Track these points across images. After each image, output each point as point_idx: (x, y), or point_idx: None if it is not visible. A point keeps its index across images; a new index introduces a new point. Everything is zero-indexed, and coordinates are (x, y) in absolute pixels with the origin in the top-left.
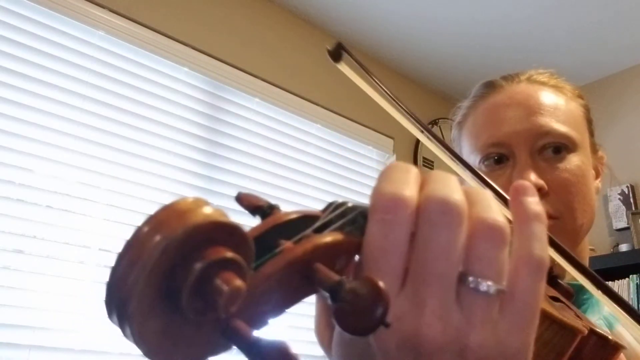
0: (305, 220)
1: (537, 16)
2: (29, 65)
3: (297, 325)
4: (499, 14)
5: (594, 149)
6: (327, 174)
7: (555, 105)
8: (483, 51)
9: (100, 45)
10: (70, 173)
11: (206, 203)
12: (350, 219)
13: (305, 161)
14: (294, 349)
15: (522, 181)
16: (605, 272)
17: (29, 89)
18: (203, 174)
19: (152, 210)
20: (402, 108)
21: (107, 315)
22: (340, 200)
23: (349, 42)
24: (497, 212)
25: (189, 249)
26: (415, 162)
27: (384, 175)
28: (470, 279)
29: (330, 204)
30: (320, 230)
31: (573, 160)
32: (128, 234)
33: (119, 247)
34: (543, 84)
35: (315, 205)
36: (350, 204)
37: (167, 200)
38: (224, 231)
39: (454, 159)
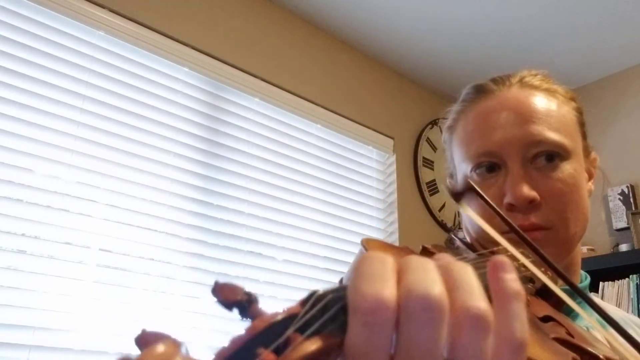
0: (285, 322)
1: (537, 16)
2: (29, 65)
3: None
4: (499, 14)
5: (587, 151)
6: (327, 174)
7: (548, 112)
8: (483, 51)
9: (100, 45)
10: (70, 173)
11: (176, 354)
12: (332, 316)
13: (305, 161)
14: None
15: (500, 257)
16: (605, 272)
17: (29, 89)
18: (203, 174)
19: (151, 210)
20: (536, 249)
21: None
22: (320, 290)
23: (348, 42)
24: (479, 298)
25: None
26: (415, 162)
27: (360, 271)
28: None
29: (310, 295)
30: (301, 330)
31: (566, 169)
32: (128, 234)
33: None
34: (535, 88)
35: (315, 205)
36: (330, 296)
37: (167, 199)
38: None
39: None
